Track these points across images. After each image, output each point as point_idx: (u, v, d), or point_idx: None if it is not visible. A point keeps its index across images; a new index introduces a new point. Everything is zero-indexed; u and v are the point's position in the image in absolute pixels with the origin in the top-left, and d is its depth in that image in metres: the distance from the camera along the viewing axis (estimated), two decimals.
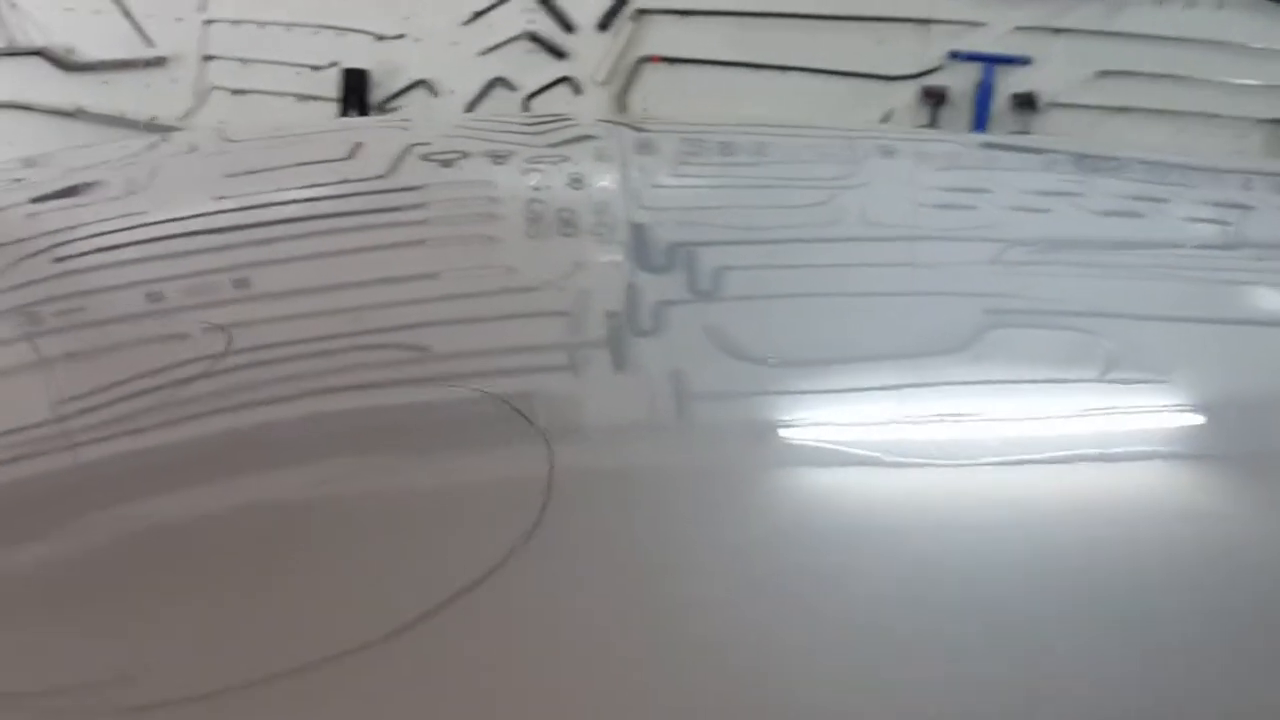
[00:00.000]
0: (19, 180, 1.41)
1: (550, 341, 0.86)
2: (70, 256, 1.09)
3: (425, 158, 1.46)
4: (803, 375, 0.81)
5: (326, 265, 1.03)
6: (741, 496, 0.68)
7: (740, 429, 0.74)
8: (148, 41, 3.10)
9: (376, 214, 1.19)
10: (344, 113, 3.18)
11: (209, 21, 3.11)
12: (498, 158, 1.45)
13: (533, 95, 3.26)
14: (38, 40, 3.07)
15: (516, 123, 1.88)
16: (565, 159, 1.48)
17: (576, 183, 1.33)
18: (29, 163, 1.56)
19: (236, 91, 3.16)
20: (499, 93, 3.25)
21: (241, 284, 1.00)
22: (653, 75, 3.28)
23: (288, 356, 0.85)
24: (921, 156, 1.59)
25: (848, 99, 3.32)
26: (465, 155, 1.46)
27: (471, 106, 3.24)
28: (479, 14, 3.17)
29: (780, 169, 1.42)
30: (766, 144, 1.57)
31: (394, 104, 3.23)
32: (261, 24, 3.13)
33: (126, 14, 3.07)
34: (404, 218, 1.19)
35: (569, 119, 1.89)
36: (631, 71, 3.27)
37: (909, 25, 3.17)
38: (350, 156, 1.46)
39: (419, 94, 3.23)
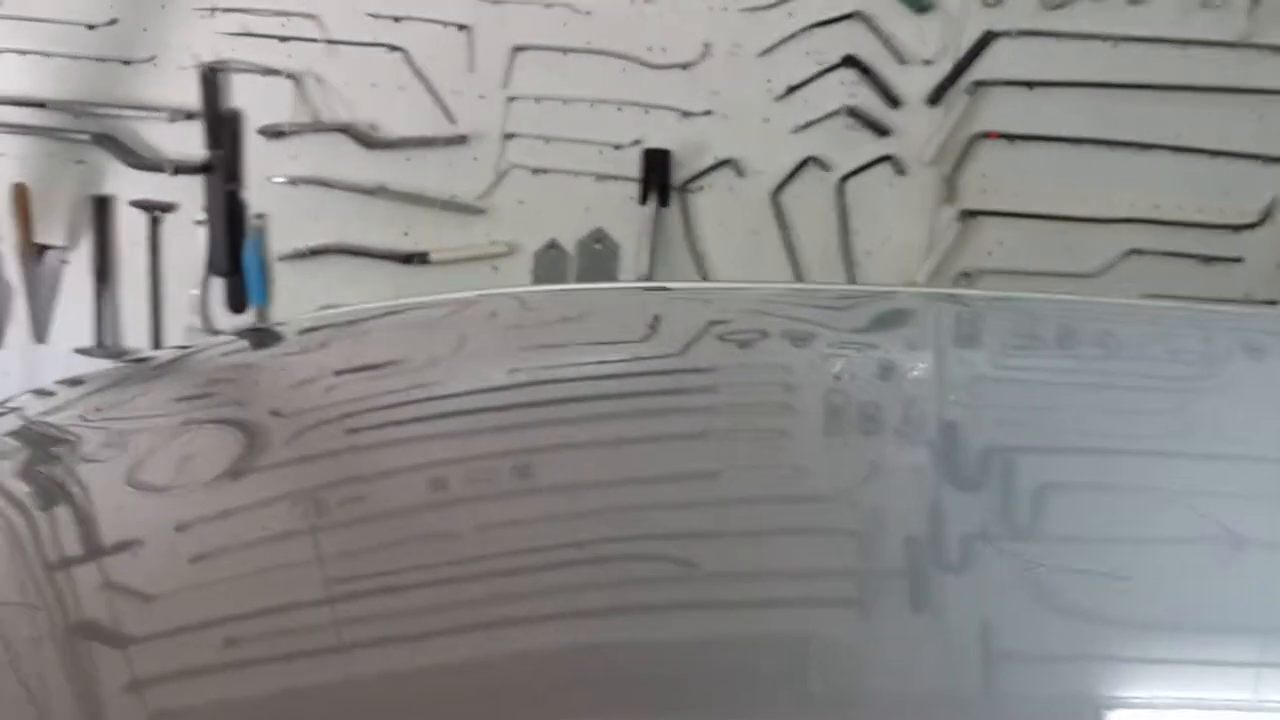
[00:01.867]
0: (324, 345, 1.46)
1: (834, 568, 0.77)
2: (361, 432, 1.08)
3: (722, 337, 1.40)
4: (1142, 642, 0.66)
5: (604, 456, 0.99)
6: None
7: (1060, 706, 0.60)
8: (450, 118, 2.99)
9: (662, 396, 1.15)
10: (644, 193, 2.97)
11: (512, 99, 2.97)
12: (798, 340, 1.37)
13: (849, 175, 2.95)
14: (343, 115, 3.01)
15: (826, 296, 1.79)
16: (874, 345, 1.37)
17: (885, 373, 1.21)
18: (333, 322, 1.60)
19: (536, 170, 3.01)
20: (811, 173, 2.95)
21: (522, 471, 0.97)
22: (989, 153, 2.91)
23: (545, 565, 0.79)
24: None
25: (1220, 183, 2.86)
26: (764, 335, 1.40)
27: (781, 187, 2.96)
28: (794, 88, 2.91)
29: (1130, 363, 1.26)
30: (1114, 332, 1.40)
31: (696, 184, 3.00)
32: (565, 100, 2.97)
33: (431, 90, 2.98)
34: (691, 403, 1.13)
35: (884, 293, 1.80)
36: (964, 149, 2.91)
37: None
38: (647, 332, 1.44)
39: (724, 174, 2.98)
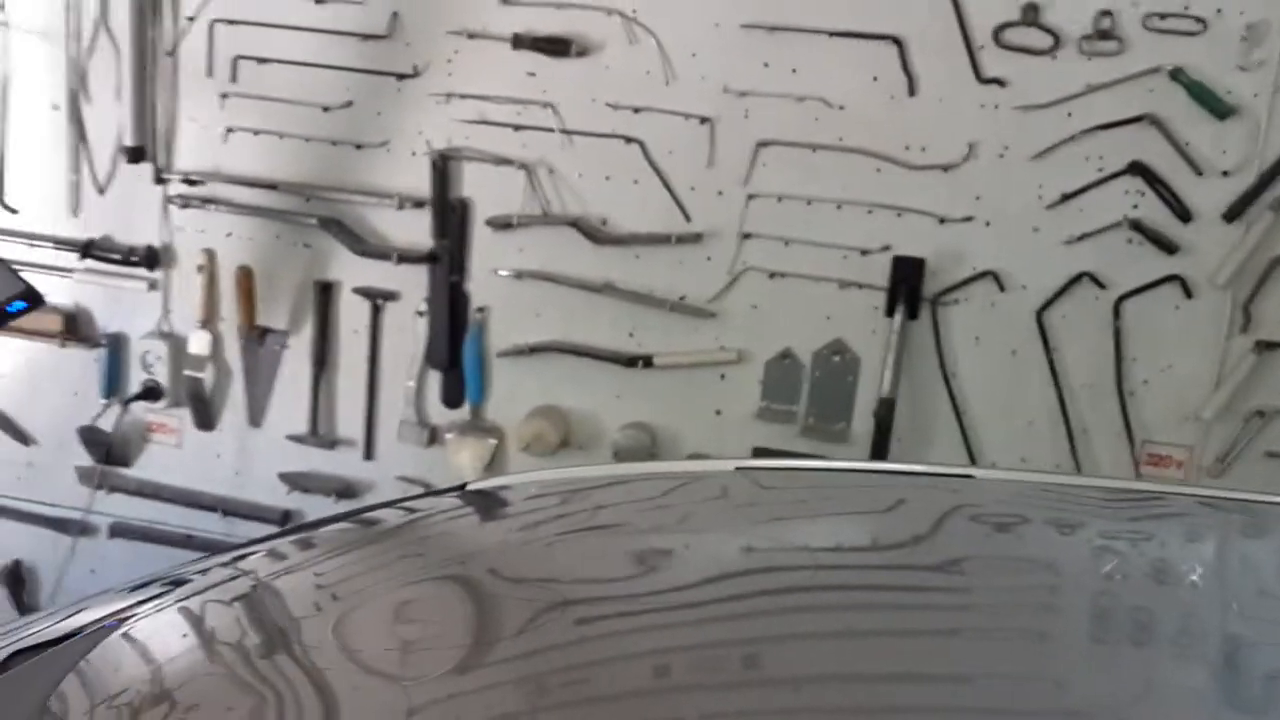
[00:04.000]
0: (547, 504, 1.45)
1: None
2: (582, 610, 1.08)
3: (975, 519, 1.33)
4: None
5: (840, 649, 0.96)
6: None
7: None
8: (685, 215, 2.82)
9: (906, 590, 1.09)
10: (891, 303, 2.72)
11: (752, 196, 2.78)
12: (1064, 528, 1.29)
13: (1128, 295, 2.64)
14: (573, 208, 2.87)
15: (1095, 489, 1.63)
16: (1148, 537, 1.29)
17: (1160, 574, 1.14)
18: (561, 490, 1.56)
19: (773, 274, 2.81)
20: (1084, 290, 2.66)
21: (750, 662, 0.95)
22: None
23: None
24: None
25: None
26: (1024, 520, 1.32)
27: (1048, 304, 2.67)
28: (1069, 196, 2.63)
29: None
30: None
31: (951, 296, 2.73)
32: (810, 200, 2.76)
33: (666, 185, 2.81)
34: (938, 599, 1.07)
35: (1160, 495, 1.62)
36: (1265, 273, 2.57)
37: None
38: (890, 510, 1.37)
39: (983, 286, 2.71)
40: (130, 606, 1.19)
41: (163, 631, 1.15)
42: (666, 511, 1.43)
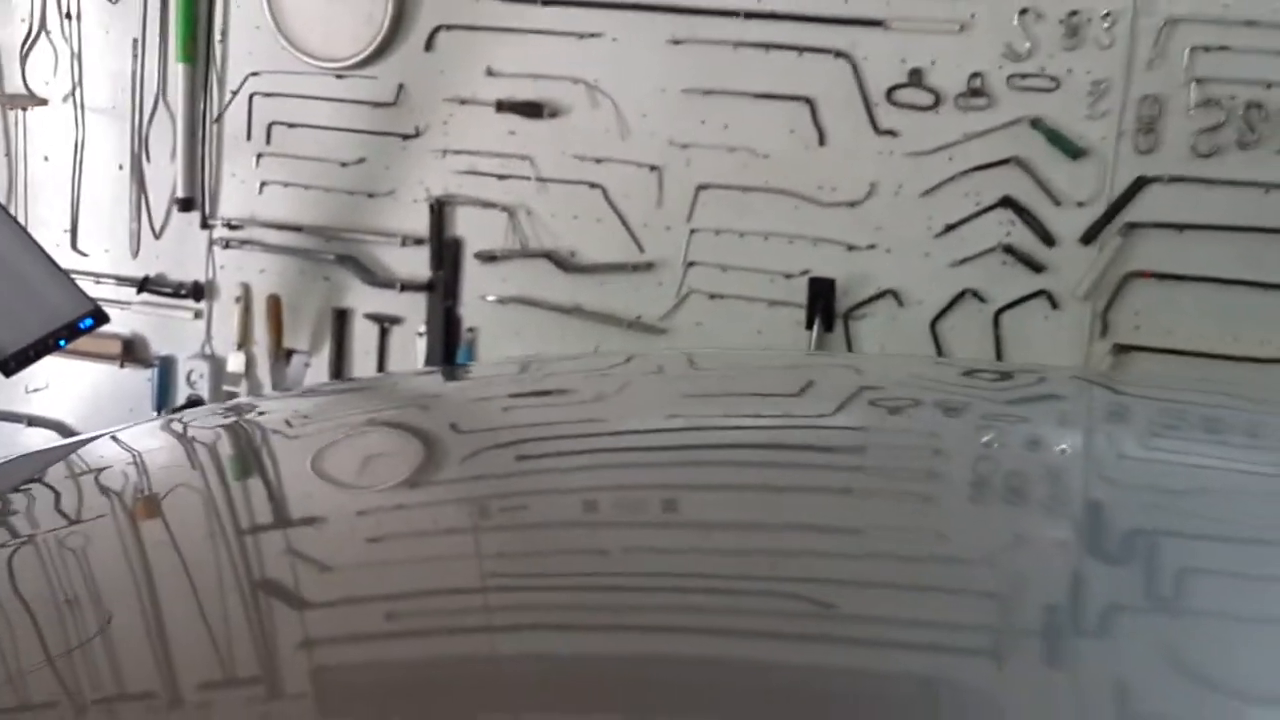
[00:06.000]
0: (506, 376, 1.60)
1: (974, 623, 0.78)
2: (529, 454, 1.17)
3: (874, 403, 1.42)
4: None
5: (749, 500, 1.01)
6: None
7: None
8: (640, 247, 3.35)
9: (810, 452, 1.17)
10: (810, 318, 3.23)
11: (694, 231, 3.31)
12: (950, 410, 1.38)
13: (1005, 308, 3.14)
14: (547, 243, 3.42)
15: (982, 373, 1.82)
16: (1024, 419, 1.38)
17: (1032, 446, 1.23)
18: (523, 364, 1.79)
19: (713, 295, 3.32)
20: (968, 305, 3.16)
21: (672, 511, 1.01)
22: (1141, 291, 3.06)
23: (693, 588, 0.84)
24: None
25: None
26: (917, 404, 1.40)
27: (940, 317, 3.17)
28: (952, 226, 3.14)
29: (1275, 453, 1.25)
30: (1264, 424, 1.38)
31: (859, 311, 3.24)
32: (741, 234, 3.29)
33: (624, 223, 3.35)
34: (837, 461, 1.16)
35: (1038, 373, 1.82)
36: (1117, 287, 3.06)
37: None
38: (800, 394, 1.46)
39: (885, 303, 3.22)
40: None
41: (132, 446, 1.22)
42: (607, 379, 1.56)
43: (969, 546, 0.91)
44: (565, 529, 0.95)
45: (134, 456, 1.21)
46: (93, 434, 1.28)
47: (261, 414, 1.43)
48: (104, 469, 1.18)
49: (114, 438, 1.23)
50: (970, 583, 0.85)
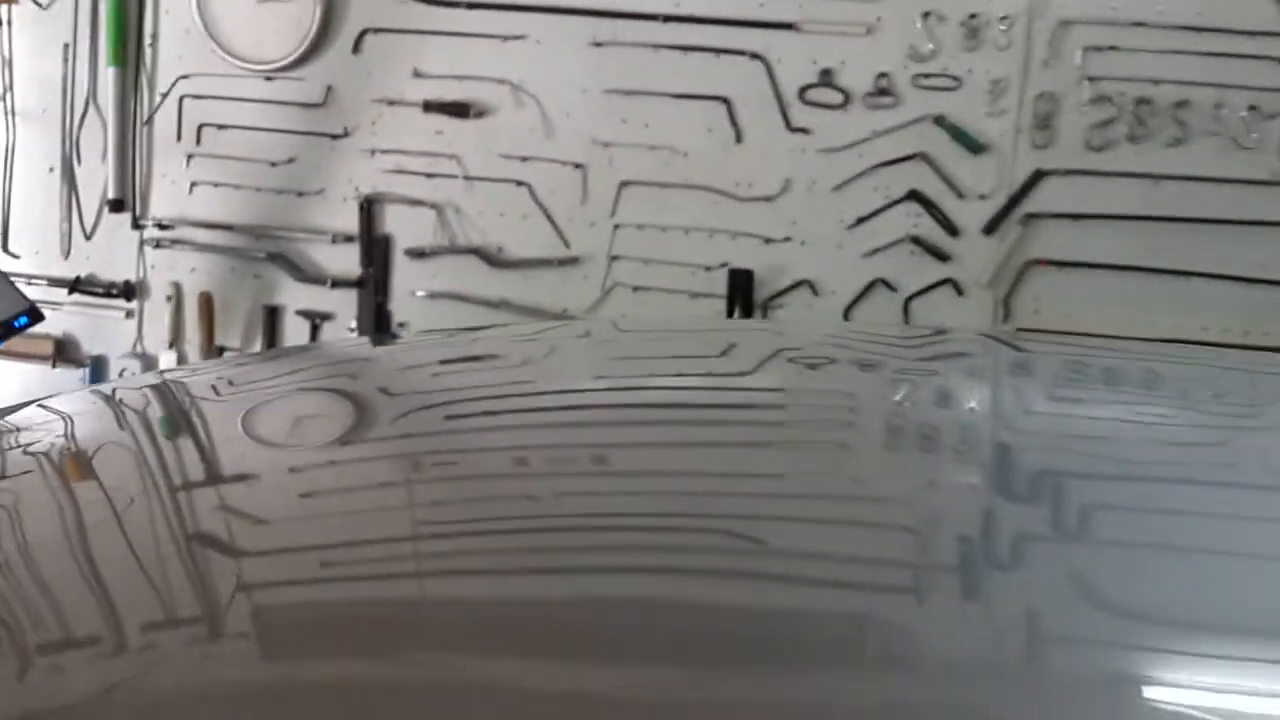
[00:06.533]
0: (439, 343, 1.66)
1: (894, 558, 0.83)
2: (456, 411, 1.22)
3: (792, 360, 1.48)
4: (1171, 635, 0.72)
5: (676, 452, 1.05)
6: None
7: (1094, 682, 0.66)
8: (565, 243, 3.46)
9: (732, 409, 1.22)
10: (730, 308, 3.35)
11: (618, 226, 3.42)
12: (865, 366, 1.45)
13: (913, 296, 3.28)
14: (475, 240, 3.51)
15: (892, 335, 1.91)
16: (934, 374, 1.46)
17: (943, 399, 1.29)
18: (450, 334, 1.89)
19: (637, 288, 3.43)
20: (880, 294, 3.30)
21: (598, 459, 1.05)
22: (1041, 279, 3.22)
23: (617, 527, 0.89)
24: None
25: (1263, 309, 3.07)
26: (833, 361, 1.47)
27: (852, 306, 3.31)
28: (863, 219, 3.28)
29: (1170, 401, 1.32)
30: (1159, 372, 1.46)
31: (777, 301, 3.37)
32: (663, 228, 3.41)
33: (549, 219, 3.46)
34: (759, 416, 1.21)
35: (946, 333, 1.91)
36: (1018, 275, 3.22)
37: None
38: (721, 354, 1.52)
39: (801, 292, 3.35)
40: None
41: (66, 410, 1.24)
42: (536, 344, 1.60)
43: (884, 488, 0.95)
44: (493, 479, 0.98)
45: (63, 418, 1.23)
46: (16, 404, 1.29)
47: (191, 376, 1.50)
48: (27, 429, 1.19)
49: (41, 405, 1.25)
50: (886, 519, 0.89)
